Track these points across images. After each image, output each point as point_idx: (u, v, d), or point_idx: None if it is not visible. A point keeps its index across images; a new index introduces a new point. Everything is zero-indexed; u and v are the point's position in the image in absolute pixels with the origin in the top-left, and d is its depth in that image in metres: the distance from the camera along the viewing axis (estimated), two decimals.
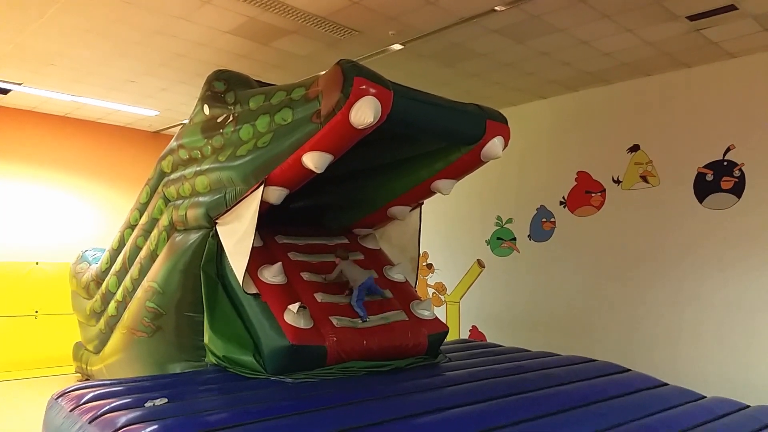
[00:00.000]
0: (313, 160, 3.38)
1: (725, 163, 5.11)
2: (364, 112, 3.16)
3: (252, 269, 3.67)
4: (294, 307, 3.50)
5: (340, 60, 3.28)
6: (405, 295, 4.22)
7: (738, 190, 5.02)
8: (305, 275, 3.92)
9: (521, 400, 3.16)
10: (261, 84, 4.26)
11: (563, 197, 6.23)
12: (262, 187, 3.56)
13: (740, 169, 5.02)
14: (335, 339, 3.57)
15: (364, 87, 3.17)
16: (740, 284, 4.96)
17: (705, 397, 3.54)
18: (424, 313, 4.10)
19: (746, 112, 5.03)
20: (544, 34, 4.75)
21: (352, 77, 3.16)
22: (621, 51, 5.06)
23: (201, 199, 3.96)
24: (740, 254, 4.97)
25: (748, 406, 3.37)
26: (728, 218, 5.06)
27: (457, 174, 4.22)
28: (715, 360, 5.04)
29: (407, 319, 3.99)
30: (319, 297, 3.79)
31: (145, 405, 2.82)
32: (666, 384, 3.80)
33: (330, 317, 3.67)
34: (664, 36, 4.73)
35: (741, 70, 5.09)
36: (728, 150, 5.10)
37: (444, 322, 4.54)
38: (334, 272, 3.98)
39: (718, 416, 3.12)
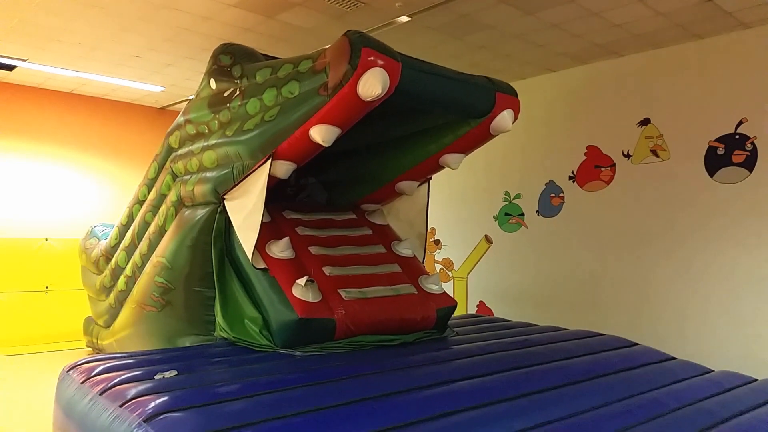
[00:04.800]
0: (321, 134, 3.35)
1: (737, 137, 5.04)
2: (372, 84, 3.11)
3: (260, 244, 3.67)
4: (302, 281, 3.51)
5: (348, 31, 3.22)
6: (413, 269, 4.21)
7: (750, 163, 4.96)
8: (313, 249, 3.92)
9: (528, 373, 3.16)
10: (267, 57, 4.21)
11: (572, 172, 6.18)
12: (269, 162, 3.54)
13: (752, 143, 4.96)
14: (344, 312, 3.58)
15: (372, 58, 3.11)
16: (750, 259, 4.93)
17: (713, 371, 3.54)
18: (433, 288, 4.09)
19: (759, 84, 4.94)
20: (554, 5, 4.67)
21: (359, 48, 3.10)
22: (632, 22, 4.97)
23: (209, 174, 3.95)
24: (751, 229, 4.93)
25: (756, 380, 3.37)
26: (739, 192, 5.01)
27: (466, 148, 4.17)
28: (724, 334, 5.04)
29: (416, 292, 3.99)
30: (327, 270, 3.79)
31: (155, 377, 2.84)
32: (674, 358, 3.80)
33: (338, 290, 3.68)
34: (676, 6, 4.64)
35: (755, 40, 4.99)
36: (740, 123, 5.03)
37: (452, 296, 4.55)
38: None
39: (725, 389, 3.12)
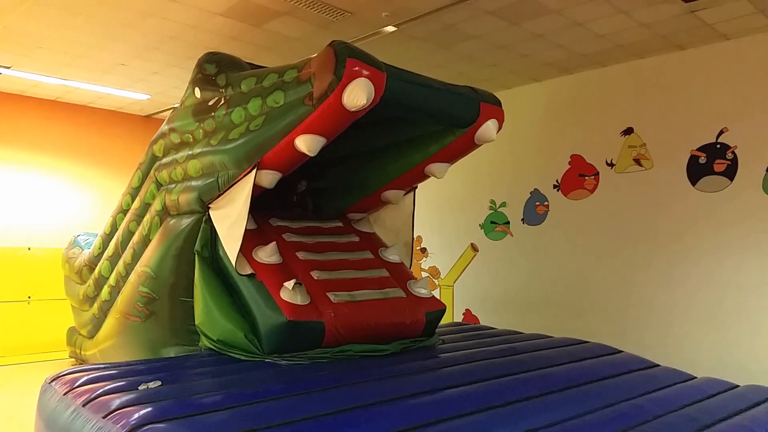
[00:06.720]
0: (306, 143, 3.35)
1: (718, 146, 5.12)
2: (357, 94, 3.13)
3: (247, 250, 3.66)
4: (289, 284, 3.49)
5: (333, 41, 3.24)
6: (401, 274, 4.21)
7: (731, 172, 5.03)
8: (300, 254, 3.91)
9: (514, 381, 3.17)
10: (253, 66, 4.22)
11: (557, 180, 6.23)
12: (254, 171, 3.54)
13: (733, 152, 5.03)
14: (333, 314, 3.56)
15: (357, 69, 3.13)
16: (731, 266, 4.99)
17: (696, 377, 3.57)
18: (421, 291, 4.10)
19: (740, 94, 5.03)
20: (539, 16, 4.72)
21: (344, 59, 3.12)
22: (615, 33, 5.04)
23: (193, 183, 3.93)
24: (732, 237, 5.00)
25: (738, 386, 3.40)
26: (721, 201, 5.08)
27: (451, 157, 4.20)
28: (706, 341, 5.09)
29: (405, 296, 3.99)
30: (315, 275, 3.78)
31: (139, 388, 2.81)
32: (657, 365, 3.83)
33: (327, 293, 3.67)
34: (658, 18, 4.71)
35: (735, 52, 5.08)
36: (721, 133, 5.11)
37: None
38: None
39: (708, 396, 3.15)
